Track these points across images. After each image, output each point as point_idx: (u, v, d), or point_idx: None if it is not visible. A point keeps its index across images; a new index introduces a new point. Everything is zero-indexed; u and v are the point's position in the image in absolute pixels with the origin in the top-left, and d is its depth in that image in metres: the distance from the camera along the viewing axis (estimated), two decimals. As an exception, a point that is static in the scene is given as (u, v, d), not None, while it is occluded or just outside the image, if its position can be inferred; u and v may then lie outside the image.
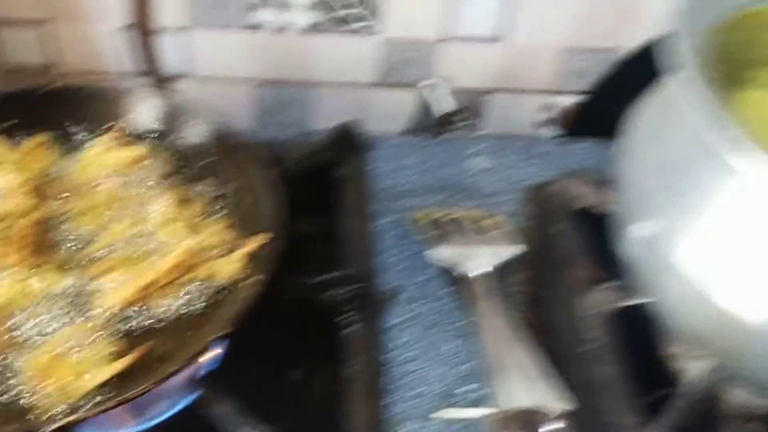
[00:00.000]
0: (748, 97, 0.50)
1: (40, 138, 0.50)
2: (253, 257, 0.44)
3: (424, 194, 0.58)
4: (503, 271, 0.52)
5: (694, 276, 0.40)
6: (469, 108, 0.76)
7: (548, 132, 0.75)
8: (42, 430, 0.34)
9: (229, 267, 0.44)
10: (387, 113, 0.74)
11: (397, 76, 0.73)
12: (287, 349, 0.47)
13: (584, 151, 0.64)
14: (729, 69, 0.49)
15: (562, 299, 0.51)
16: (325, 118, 0.76)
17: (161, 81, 0.70)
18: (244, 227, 0.47)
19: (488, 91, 0.73)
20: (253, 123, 0.74)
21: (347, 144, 0.58)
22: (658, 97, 0.44)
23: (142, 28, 0.66)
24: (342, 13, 0.67)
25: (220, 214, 0.48)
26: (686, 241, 0.40)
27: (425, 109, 0.63)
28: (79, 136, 0.51)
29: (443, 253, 0.50)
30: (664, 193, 0.41)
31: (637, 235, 0.44)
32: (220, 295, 0.43)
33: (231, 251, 0.44)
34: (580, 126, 0.73)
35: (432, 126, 0.64)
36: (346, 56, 0.71)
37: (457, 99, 0.63)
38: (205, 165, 0.51)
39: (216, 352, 0.43)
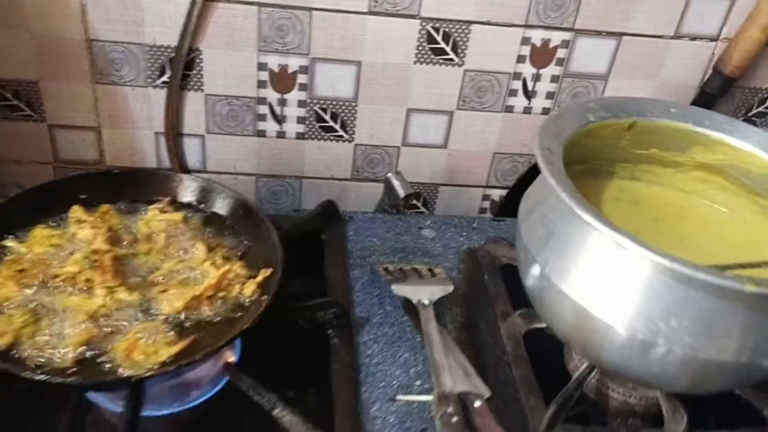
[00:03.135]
0: (609, 185, 0.73)
1: (104, 207, 0.69)
2: (262, 284, 0.63)
3: (386, 254, 0.78)
4: (445, 307, 0.71)
5: (575, 295, 0.59)
6: (421, 194, 0.98)
7: (484, 216, 0.97)
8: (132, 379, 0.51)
9: (247, 290, 0.62)
10: (358, 200, 0.95)
11: (366, 173, 0.94)
12: (290, 350, 0.64)
13: (506, 226, 0.85)
14: (593, 163, 0.72)
15: (487, 325, 0.70)
16: (312, 204, 0.97)
17: (184, 173, 0.90)
18: (255, 266, 0.65)
19: (436, 185, 0.96)
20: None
21: (330, 216, 0.79)
22: (538, 181, 0.66)
23: (172, 133, 0.87)
24: (324, 125, 0.89)
25: (238, 257, 0.66)
26: (566, 273, 0.59)
27: (390, 192, 0.84)
28: (132, 206, 0.70)
29: (401, 289, 0.69)
30: (545, 242, 0.61)
31: (534, 273, 0.64)
32: (241, 308, 0.61)
33: (249, 279, 0.63)
34: (506, 210, 0.94)
35: (394, 206, 0.84)
36: (328, 157, 0.93)
37: (413, 187, 0.85)
38: (228, 225, 0.70)
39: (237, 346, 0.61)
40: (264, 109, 0.88)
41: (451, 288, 0.70)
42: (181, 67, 0.82)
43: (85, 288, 0.59)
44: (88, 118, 0.86)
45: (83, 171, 0.87)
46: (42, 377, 0.51)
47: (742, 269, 0.59)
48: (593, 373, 0.65)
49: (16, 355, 0.53)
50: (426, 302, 0.68)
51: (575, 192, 0.55)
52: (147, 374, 0.52)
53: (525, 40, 0.85)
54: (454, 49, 0.85)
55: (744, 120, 0.94)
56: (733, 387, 0.61)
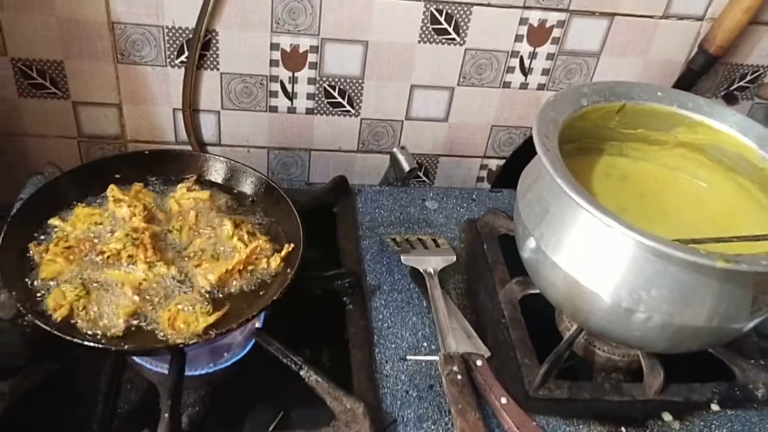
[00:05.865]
0: (599, 161, 0.79)
1: (137, 186, 0.75)
2: (286, 258, 0.69)
3: (393, 225, 0.85)
4: (448, 274, 0.78)
5: (567, 267, 0.66)
6: (423, 164, 1.04)
7: (482, 186, 1.03)
8: (176, 346, 0.59)
9: (273, 263, 0.69)
10: (363, 171, 1.02)
11: (371, 145, 1.00)
12: (311, 316, 0.72)
13: (503, 196, 0.91)
14: (584, 142, 0.78)
15: (487, 291, 0.78)
16: (321, 175, 1.03)
17: (200, 147, 0.96)
18: (277, 240, 0.72)
19: (437, 156, 1.02)
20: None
21: (341, 190, 0.85)
22: (536, 160, 0.72)
23: (189, 109, 0.92)
24: (332, 101, 0.95)
25: (263, 232, 0.73)
26: (559, 247, 0.66)
27: (395, 166, 0.90)
28: (162, 185, 0.76)
29: (409, 259, 0.76)
30: (541, 219, 0.68)
31: (530, 246, 0.70)
32: (268, 280, 0.68)
33: (274, 253, 0.70)
34: (502, 178, 1.01)
35: (399, 179, 0.90)
36: (336, 130, 0.98)
37: (416, 160, 0.91)
38: (251, 202, 0.76)
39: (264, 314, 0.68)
40: (276, 87, 0.93)
41: (453, 258, 0.77)
42: (198, 48, 0.87)
43: (128, 263, 0.65)
44: (110, 96, 0.91)
45: (119, 152, 0.94)
46: (101, 345, 0.58)
47: (716, 243, 0.66)
48: (582, 334, 0.72)
49: (76, 325, 0.60)
50: (432, 271, 0.75)
51: (569, 177, 0.62)
52: (192, 342, 0.59)
53: (523, 21, 0.90)
54: (456, 30, 0.90)
55: (726, 93, 1.00)
56: (705, 347, 0.69)
